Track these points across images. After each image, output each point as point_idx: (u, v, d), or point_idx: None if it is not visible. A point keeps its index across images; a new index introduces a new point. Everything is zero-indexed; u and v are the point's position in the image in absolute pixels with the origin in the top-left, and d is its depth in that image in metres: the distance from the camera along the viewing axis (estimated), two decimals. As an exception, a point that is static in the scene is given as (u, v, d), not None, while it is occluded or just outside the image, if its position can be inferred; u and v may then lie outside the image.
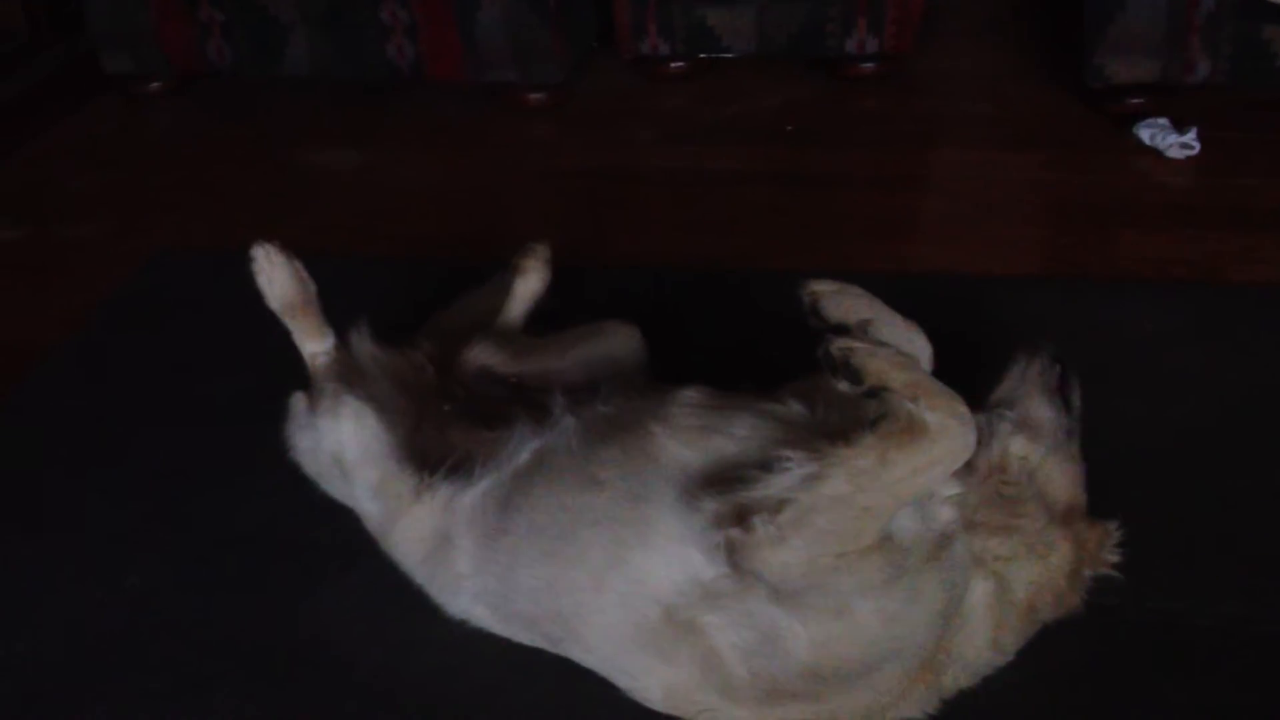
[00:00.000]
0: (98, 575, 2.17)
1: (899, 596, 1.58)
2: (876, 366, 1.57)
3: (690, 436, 1.72)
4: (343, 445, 2.01)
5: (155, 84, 3.97)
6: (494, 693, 1.90)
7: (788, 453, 1.57)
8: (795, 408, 1.75)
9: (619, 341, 2.24)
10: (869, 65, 3.66)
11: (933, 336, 1.92)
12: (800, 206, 3.14)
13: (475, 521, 1.86)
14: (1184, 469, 2.20)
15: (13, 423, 2.59)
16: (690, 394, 1.80)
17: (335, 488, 2.09)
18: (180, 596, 2.13)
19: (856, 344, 1.60)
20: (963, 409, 1.56)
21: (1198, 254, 2.81)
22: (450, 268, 2.76)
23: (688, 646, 1.66)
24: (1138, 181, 3.13)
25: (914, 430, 1.53)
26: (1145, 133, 3.23)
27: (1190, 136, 3.18)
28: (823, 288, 1.86)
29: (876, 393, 1.56)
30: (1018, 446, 1.83)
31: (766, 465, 1.59)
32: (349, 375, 2.12)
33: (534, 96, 3.71)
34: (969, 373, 1.77)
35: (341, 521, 2.09)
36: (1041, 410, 1.90)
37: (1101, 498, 1.90)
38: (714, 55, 3.70)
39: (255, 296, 2.20)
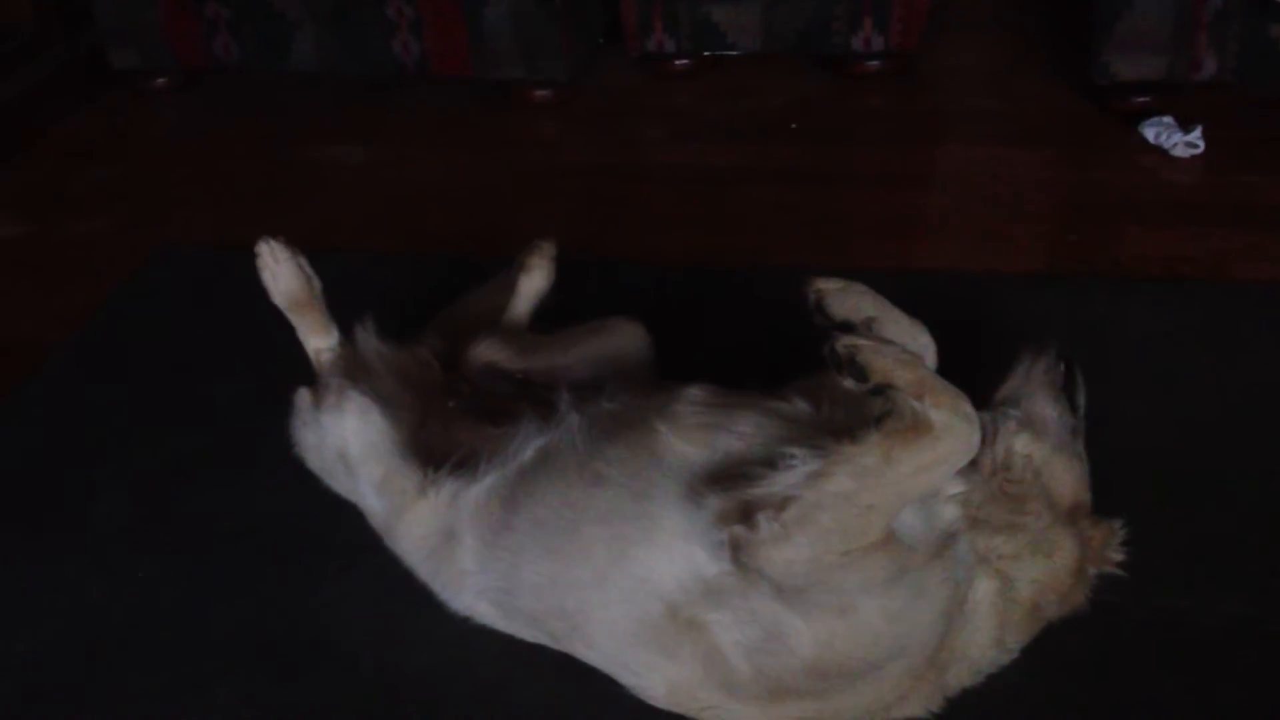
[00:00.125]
0: (100, 573, 2.17)
1: (903, 594, 1.58)
2: (882, 364, 1.57)
3: (695, 434, 1.72)
4: (347, 441, 2.01)
5: (162, 80, 3.98)
6: (497, 689, 1.90)
7: (792, 450, 1.57)
8: (800, 405, 1.75)
9: (624, 339, 2.24)
10: (875, 62, 3.66)
11: (937, 334, 1.92)
12: (805, 204, 3.14)
13: (479, 518, 1.86)
14: (1189, 467, 2.20)
15: (17, 419, 2.59)
16: (695, 392, 1.80)
17: (339, 484, 2.09)
18: (182, 593, 2.13)
19: (862, 341, 1.60)
20: (968, 407, 1.56)
21: (1203, 252, 2.80)
22: (456, 264, 2.76)
23: (691, 643, 1.66)
24: (1143, 179, 3.12)
25: (919, 428, 1.52)
26: (1150, 131, 3.23)
27: (1195, 135, 3.18)
28: (828, 285, 1.87)
29: (882, 390, 1.56)
30: (1022, 444, 1.83)
31: (771, 462, 1.59)
32: (354, 371, 2.12)
33: (540, 93, 3.71)
34: (973, 370, 1.77)
35: (345, 518, 2.09)
36: (1046, 408, 1.89)
37: (1106, 496, 1.90)
38: (719, 52, 3.70)
39: (261, 292, 2.20)
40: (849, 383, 1.59)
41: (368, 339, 2.20)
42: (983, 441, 1.62)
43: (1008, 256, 2.84)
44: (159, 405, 2.57)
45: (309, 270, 2.21)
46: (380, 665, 1.96)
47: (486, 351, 2.22)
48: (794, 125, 3.54)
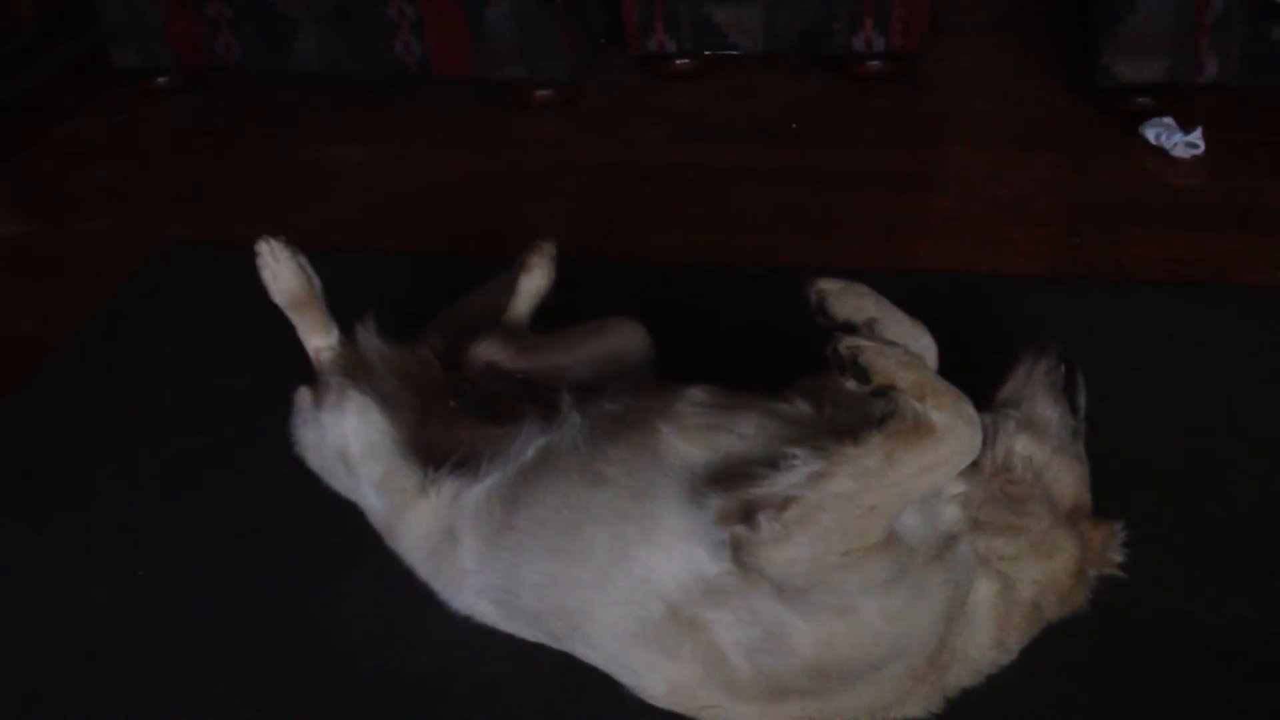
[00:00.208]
0: (100, 572, 2.17)
1: (903, 595, 1.58)
2: (884, 365, 1.57)
3: (696, 435, 1.71)
4: (347, 440, 2.01)
5: (163, 79, 3.98)
6: (497, 689, 1.90)
7: (794, 450, 1.57)
8: (802, 406, 1.75)
9: (625, 338, 2.24)
10: (876, 63, 3.66)
11: (938, 335, 1.92)
12: (807, 204, 3.14)
13: (481, 517, 1.86)
14: (1191, 469, 2.20)
15: (19, 417, 2.59)
16: (697, 392, 1.80)
17: (340, 483, 2.09)
18: (183, 593, 2.13)
19: (865, 342, 1.60)
20: (970, 409, 1.56)
21: (1204, 255, 2.80)
22: (456, 263, 2.76)
23: (691, 643, 1.66)
24: (1146, 182, 3.12)
25: (921, 430, 1.52)
26: (1151, 132, 3.23)
27: (1195, 136, 3.18)
28: (829, 285, 1.87)
29: (884, 391, 1.56)
30: (1023, 446, 1.83)
31: (773, 463, 1.59)
32: (354, 370, 2.12)
33: (541, 93, 3.71)
34: (974, 371, 1.77)
35: (346, 517, 2.09)
36: (1047, 410, 1.90)
37: (1107, 498, 1.90)
38: (721, 53, 3.70)
39: (261, 291, 2.21)
40: (851, 384, 1.59)
41: (368, 338, 2.20)
42: (983, 443, 1.62)
43: (1009, 258, 2.84)
44: (160, 404, 2.57)
45: (309, 269, 2.21)
46: (380, 664, 1.96)
47: (487, 351, 2.22)
48: (795, 126, 3.54)
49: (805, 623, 1.58)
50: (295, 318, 2.21)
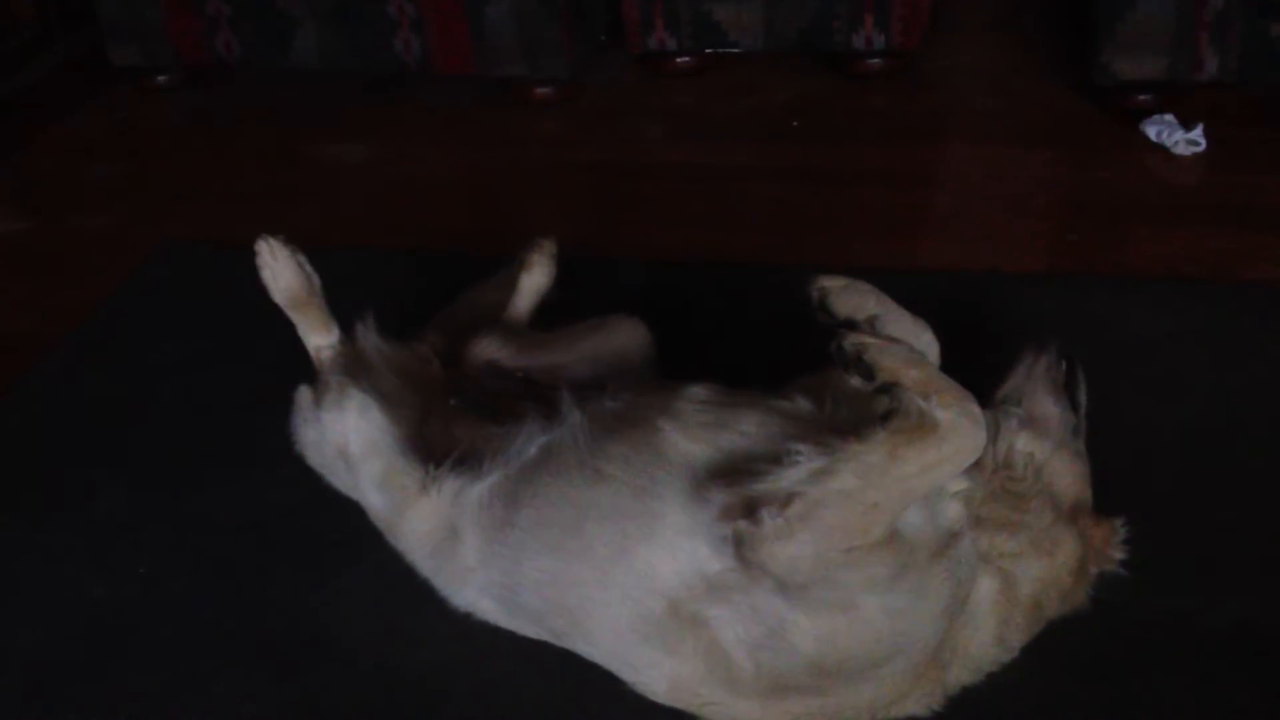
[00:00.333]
0: (100, 570, 2.17)
1: (905, 592, 1.58)
2: (889, 363, 1.57)
3: (698, 432, 1.71)
4: (347, 438, 2.01)
5: (163, 77, 3.97)
6: (498, 686, 1.90)
7: (798, 446, 1.57)
8: (803, 404, 1.75)
9: (625, 336, 2.24)
10: (876, 61, 3.65)
11: (939, 332, 1.92)
12: (807, 202, 3.14)
13: (482, 515, 1.86)
14: (1191, 466, 2.20)
15: (18, 414, 2.59)
16: (698, 390, 1.80)
17: (340, 481, 2.09)
18: (183, 590, 2.13)
19: (870, 340, 1.60)
20: (975, 408, 1.56)
21: (1204, 252, 2.80)
22: (456, 261, 2.76)
23: (692, 640, 1.66)
24: (1146, 179, 3.12)
25: (925, 427, 1.52)
26: (1152, 129, 3.22)
27: (1196, 133, 3.18)
28: (831, 283, 1.86)
29: (888, 389, 1.56)
30: (1024, 443, 1.83)
31: (776, 459, 1.58)
32: (354, 368, 2.12)
33: (542, 91, 3.70)
34: (976, 369, 1.77)
35: (346, 514, 2.09)
36: (1048, 407, 1.90)
37: (1107, 495, 1.90)
38: (721, 50, 3.70)
39: (261, 289, 2.20)
40: (856, 381, 1.59)
41: (368, 336, 2.20)
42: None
43: (1008, 255, 2.84)
44: (159, 402, 2.57)
45: (308, 268, 2.21)
46: (381, 662, 1.96)
47: (487, 349, 2.22)
48: (796, 124, 3.54)
49: (807, 619, 1.58)
50: (295, 317, 2.21)
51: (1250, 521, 2.08)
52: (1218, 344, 2.49)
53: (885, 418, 1.54)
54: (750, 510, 1.57)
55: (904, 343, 1.64)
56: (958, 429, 1.53)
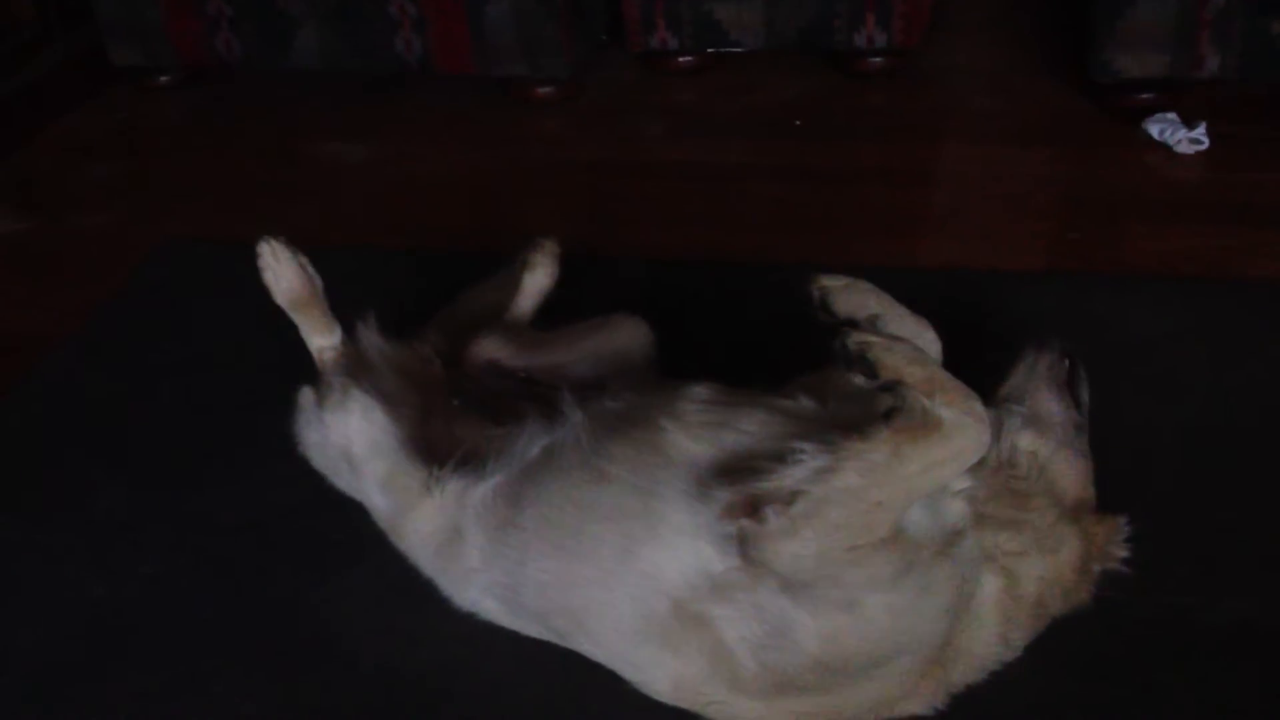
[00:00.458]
0: (101, 570, 2.17)
1: (909, 591, 1.57)
2: (893, 361, 1.57)
3: (701, 431, 1.71)
4: (350, 439, 2.01)
5: (164, 77, 3.97)
6: (500, 686, 1.90)
7: (801, 445, 1.56)
8: (805, 402, 1.75)
9: (627, 336, 2.24)
10: (877, 60, 3.65)
11: (939, 331, 1.92)
12: (808, 201, 3.14)
13: (486, 515, 1.85)
14: (1192, 464, 2.19)
15: (18, 414, 2.59)
16: (700, 389, 1.80)
17: (343, 482, 2.09)
18: (184, 590, 2.13)
19: (873, 338, 1.60)
20: (979, 406, 1.56)
21: (1205, 249, 2.80)
22: (457, 261, 2.76)
23: (696, 639, 1.66)
24: (1146, 177, 3.12)
25: (928, 425, 1.52)
26: (1155, 128, 3.22)
27: (1200, 131, 3.17)
28: (832, 282, 1.86)
29: (892, 387, 1.56)
30: (1026, 441, 1.83)
31: (779, 457, 1.58)
32: (356, 369, 2.12)
33: (542, 90, 3.70)
34: (976, 367, 1.77)
35: (347, 514, 2.09)
36: (1050, 405, 1.90)
37: (1110, 492, 1.90)
38: (722, 49, 3.69)
39: (262, 288, 2.20)
40: (859, 379, 1.60)
41: (370, 336, 2.20)
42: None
43: (1008, 254, 2.84)
44: (159, 401, 2.57)
45: (310, 269, 2.21)
46: (381, 661, 1.96)
47: (488, 349, 2.22)
48: (798, 123, 3.53)
49: (811, 618, 1.58)
50: (298, 318, 2.21)
51: (1250, 521, 2.08)
52: (1218, 341, 2.49)
53: (888, 416, 1.54)
54: (754, 509, 1.56)
55: (907, 341, 1.64)
56: (961, 427, 1.53)
